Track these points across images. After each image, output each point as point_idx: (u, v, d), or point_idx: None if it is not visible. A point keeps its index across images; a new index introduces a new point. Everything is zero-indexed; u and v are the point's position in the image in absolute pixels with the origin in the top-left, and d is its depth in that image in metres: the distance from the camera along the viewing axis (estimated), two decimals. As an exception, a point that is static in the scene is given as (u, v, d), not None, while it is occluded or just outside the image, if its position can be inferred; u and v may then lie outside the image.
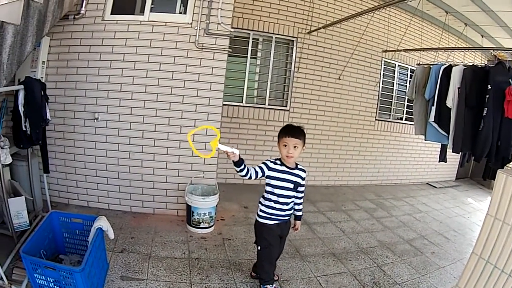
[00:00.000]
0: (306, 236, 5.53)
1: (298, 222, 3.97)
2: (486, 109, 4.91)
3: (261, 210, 3.69)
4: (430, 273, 4.77)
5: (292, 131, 3.53)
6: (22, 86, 3.95)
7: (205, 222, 5.19)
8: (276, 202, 3.62)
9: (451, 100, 5.33)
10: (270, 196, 3.62)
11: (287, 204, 3.68)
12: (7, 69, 3.35)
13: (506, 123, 4.92)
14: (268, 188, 3.62)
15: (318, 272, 4.47)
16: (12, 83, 4.25)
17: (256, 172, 3.47)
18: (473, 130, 5.13)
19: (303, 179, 3.70)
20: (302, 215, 3.97)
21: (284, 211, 3.70)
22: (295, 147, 3.51)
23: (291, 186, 3.63)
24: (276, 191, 3.60)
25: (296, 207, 3.87)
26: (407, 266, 4.89)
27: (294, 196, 3.71)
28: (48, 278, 3.02)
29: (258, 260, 3.77)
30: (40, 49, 4.79)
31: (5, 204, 3.88)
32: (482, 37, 9.20)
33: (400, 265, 4.90)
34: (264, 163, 3.55)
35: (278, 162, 3.58)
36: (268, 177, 3.58)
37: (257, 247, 3.74)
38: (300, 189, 3.76)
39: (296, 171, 3.64)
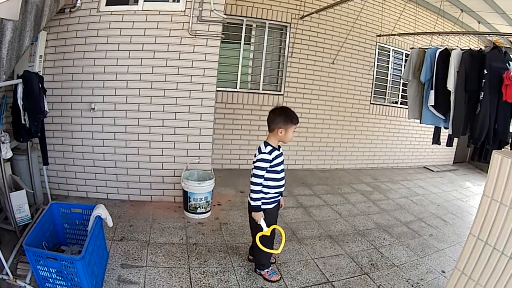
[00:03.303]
0: (302, 219, 5.67)
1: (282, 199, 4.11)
2: (482, 93, 4.97)
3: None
4: (429, 255, 4.89)
5: (294, 116, 3.68)
6: (21, 80, 4.01)
7: (202, 207, 5.31)
8: (280, 186, 3.81)
9: (452, 84, 5.35)
10: (273, 183, 3.74)
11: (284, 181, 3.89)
12: (7, 64, 3.41)
13: (503, 107, 5.00)
14: (272, 175, 3.71)
15: (315, 255, 4.60)
16: (11, 78, 4.28)
17: (262, 184, 3.69)
18: (471, 114, 5.19)
19: None
20: None
21: (282, 190, 3.91)
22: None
23: (283, 164, 3.82)
24: (281, 174, 3.77)
25: None
26: (405, 248, 5.02)
27: None
28: (51, 269, 3.10)
29: (258, 246, 3.81)
30: (38, 43, 4.86)
31: (7, 199, 3.98)
32: (479, 23, 9.23)
33: (398, 247, 5.03)
34: (262, 168, 3.62)
35: (270, 148, 3.66)
36: (273, 166, 3.68)
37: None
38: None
39: (281, 150, 3.80)
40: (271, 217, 3.87)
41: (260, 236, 3.74)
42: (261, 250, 3.78)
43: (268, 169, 3.65)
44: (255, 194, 3.66)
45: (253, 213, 3.72)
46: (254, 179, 3.65)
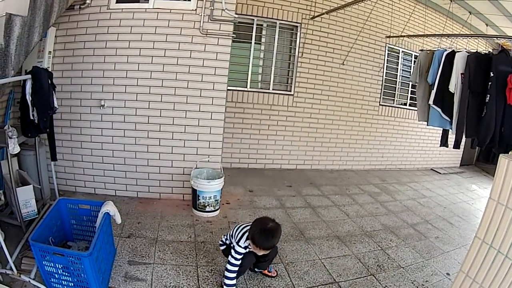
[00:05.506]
0: (310, 219, 5.62)
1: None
2: (488, 95, 4.88)
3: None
4: (434, 257, 4.82)
5: (266, 244, 3.38)
6: (29, 76, 3.99)
7: (211, 206, 5.27)
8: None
9: (454, 85, 5.30)
10: (237, 264, 3.49)
11: None
12: (15, 59, 3.41)
13: (509, 111, 4.87)
14: (236, 260, 3.46)
15: (323, 255, 4.55)
16: (19, 74, 4.27)
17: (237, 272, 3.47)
18: (476, 116, 5.11)
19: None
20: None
21: None
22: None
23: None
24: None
25: None
26: (411, 250, 4.95)
27: None
28: (57, 265, 3.05)
29: None
30: (47, 39, 4.84)
31: (14, 194, 3.94)
32: (487, 25, 9.14)
33: (404, 249, 4.97)
34: (237, 258, 3.43)
35: (247, 244, 3.45)
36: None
37: None
38: None
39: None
40: None
41: None
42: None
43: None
44: (229, 281, 3.45)
45: None
46: (229, 267, 3.44)
